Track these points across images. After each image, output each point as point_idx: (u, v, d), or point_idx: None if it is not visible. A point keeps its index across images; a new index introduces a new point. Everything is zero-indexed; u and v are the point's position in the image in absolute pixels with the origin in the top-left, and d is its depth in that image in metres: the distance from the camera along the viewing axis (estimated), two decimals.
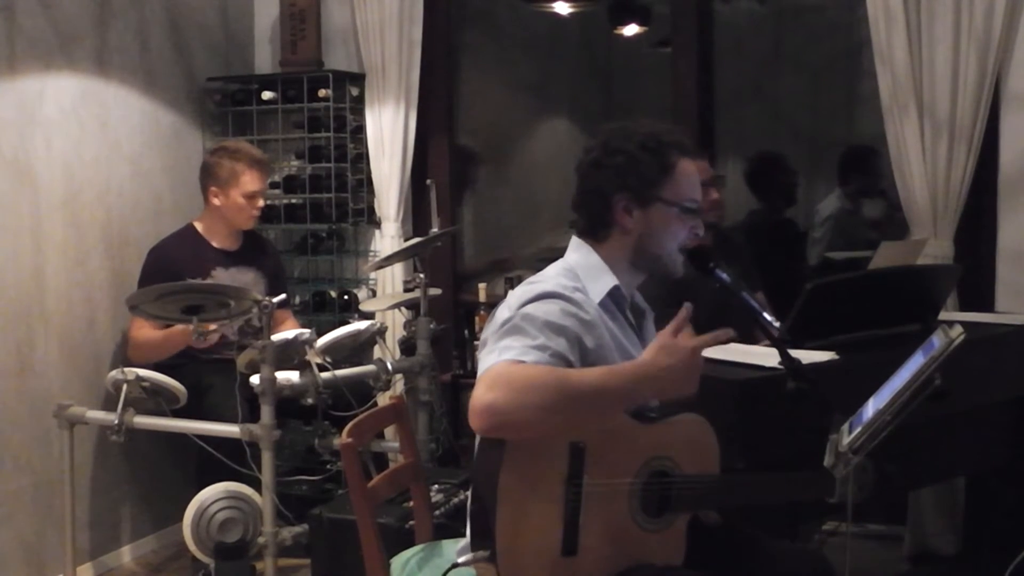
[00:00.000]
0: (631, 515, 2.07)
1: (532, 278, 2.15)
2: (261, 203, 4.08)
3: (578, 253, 2.19)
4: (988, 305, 3.74)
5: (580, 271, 2.15)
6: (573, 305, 2.04)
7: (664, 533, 2.10)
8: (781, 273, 4.35)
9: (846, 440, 1.95)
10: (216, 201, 4.00)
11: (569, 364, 1.98)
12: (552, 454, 1.97)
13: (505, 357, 1.93)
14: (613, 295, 2.14)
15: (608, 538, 2.03)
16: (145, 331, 3.86)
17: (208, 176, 4.02)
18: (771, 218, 5.24)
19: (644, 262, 2.18)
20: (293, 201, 4.61)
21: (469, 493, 2.09)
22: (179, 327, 3.65)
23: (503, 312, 2.06)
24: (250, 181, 3.99)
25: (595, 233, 2.18)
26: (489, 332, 2.06)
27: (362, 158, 4.56)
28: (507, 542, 1.96)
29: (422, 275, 3.84)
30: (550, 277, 2.13)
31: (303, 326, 4.02)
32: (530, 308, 2.01)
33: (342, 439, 2.31)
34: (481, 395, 1.89)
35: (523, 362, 1.91)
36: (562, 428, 1.95)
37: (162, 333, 3.83)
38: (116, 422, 3.52)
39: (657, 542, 2.10)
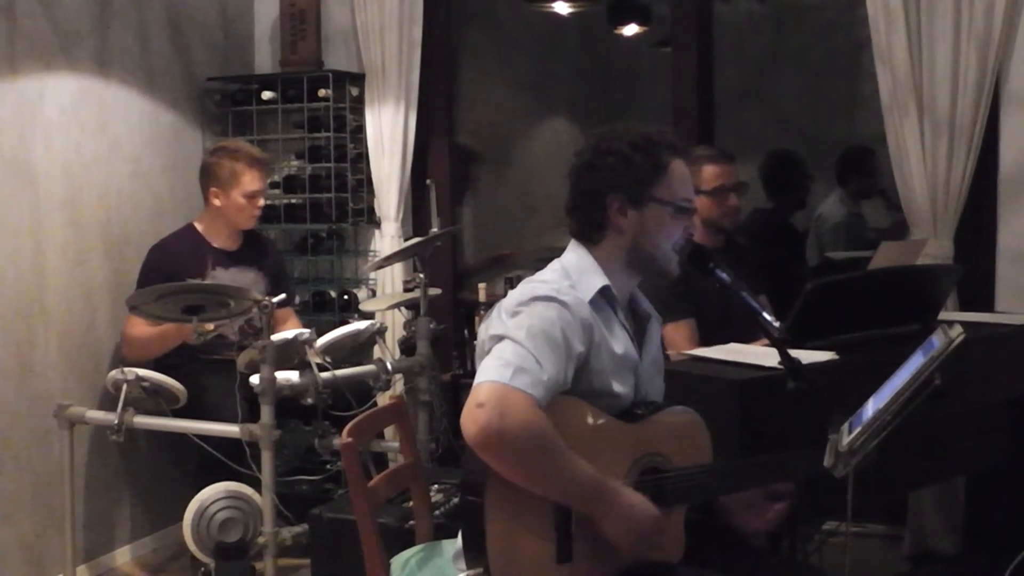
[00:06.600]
0: None
1: (530, 278, 2.15)
2: (261, 203, 4.08)
3: (574, 254, 2.19)
4: (988, 305, 3.74)
5: (572, 271, 2.15)
6: (567, 309, 2.04)
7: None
8: (782, 274, 4.35)
9: (846, 440, 1.95)
10: (217, 202, 4.00)
11: (562, 382, 1.99)
12: None
13: (514, 382, 1.91)
14: (604, 294, 2.13)
15: (604, 540, 2.02)
16: (140, 328, 3.85)
17: (208, 176, 4.01)
18: (777, 219, 5.23)
19: (639, 263, 2.18)
20: (293, 201, 4.60)
21: (459, 502, 2.08)
22: (173, 324, 3.65)
23: (501, 314, 2.06)
24: (250, 181, 3.99)
25: (590, 235, 2.18)
26: (487, 333, 2.06)
27: (362, 158, 4.55)
28: (500, 555, 1.96)
29: (422, 275, 3.84)
30: (547, 278, 2.13)
31: (303, 326, 4.01)
32: (527, 316, 2.01)
33: (342, 439, 2.31)
34: (488, 412, 1.89)
35: (536, 399, 1.91)
36: (528, 486, 1.96)
37: (157, 329, 3.81)
38: (116, 422, 3.52)
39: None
